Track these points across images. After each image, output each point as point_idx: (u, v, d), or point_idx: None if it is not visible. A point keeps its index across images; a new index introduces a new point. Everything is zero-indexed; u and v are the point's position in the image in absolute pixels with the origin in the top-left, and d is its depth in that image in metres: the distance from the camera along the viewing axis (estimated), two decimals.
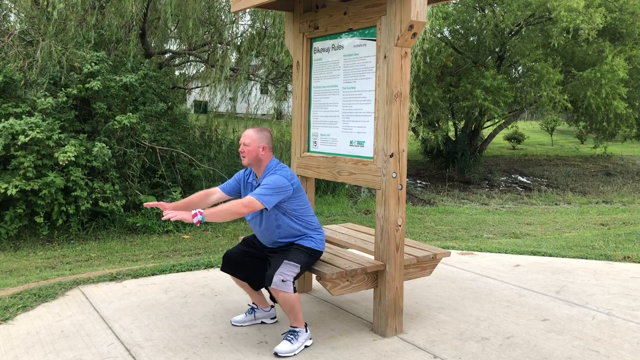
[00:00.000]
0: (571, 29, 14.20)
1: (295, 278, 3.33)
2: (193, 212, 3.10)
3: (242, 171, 3.69)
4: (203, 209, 3.16)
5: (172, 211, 3.10)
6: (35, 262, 7.12)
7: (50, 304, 4.28)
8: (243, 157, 3.47)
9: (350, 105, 3.84)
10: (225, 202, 3.38)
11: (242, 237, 3.86)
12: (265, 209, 3.33)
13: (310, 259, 3.48)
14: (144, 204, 3.42)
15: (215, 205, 3.60)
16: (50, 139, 7.99)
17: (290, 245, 3.51)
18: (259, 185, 3.45)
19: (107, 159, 8.33)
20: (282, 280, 3.26)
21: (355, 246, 4.09)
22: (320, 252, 3.56)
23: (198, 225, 3.19)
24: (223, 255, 3.67)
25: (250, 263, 3.64)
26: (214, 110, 13.86)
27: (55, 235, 8.50)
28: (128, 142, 9.21)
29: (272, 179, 3.34)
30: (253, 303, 3.85)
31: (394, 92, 3.46)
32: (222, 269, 3.68)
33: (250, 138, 3.45)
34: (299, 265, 3.37)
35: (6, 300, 4.30)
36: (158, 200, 9.33)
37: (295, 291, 3.31)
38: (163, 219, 3.08)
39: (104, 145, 8.15)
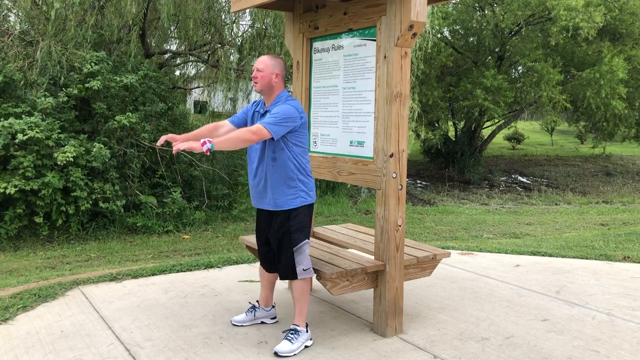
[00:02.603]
0: (571, 28, 14.20)
1: (308, 253, 3.46)
2: (202, 140, 3.05)
3: (250, 104, 3.66)
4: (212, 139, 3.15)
5: (181, 142, 3.09)
6: (35, 262, 7.12)
7: (50, 304, 4.28)
8: (255, 82, 3.43)
9: (350, 106, 3.84)
10: None
11: (255, 237, 3.81)
12: (272, 139, 3.29)
13: (308, 220, 3.48)
14: (158, 142, 3.37)
15: None
16: (49, 138, 7.99)
17: (287, 217, 3.42)
18: (266, 112, 3.42)
19: (106, 160, 8.33)
20: (304, 269, 3.42)
21: (355, 246, 4.09)
22: (313, 204, 3.53)
23: (207, 153, 3.14)
24: (260, 260, 3.75)
25: (269, 251, 3.68)
26: (214, 110, 13.87)
27: (55, 235, 8.50)
28: (128, 142, 9.21)
29: (282, 108, 3.30)
30: (256, 301, 3.85)
31: (394, 92, 3.46)
32: (267, 270, 3.75)
33: (264, 64, 3.41)
34: (306, 241, 3.44)
35: (6, 300, 4.30)
36: (158, 202, 9.32)
37: (312, 272, 3.48)
38: (174, 150, 3.05)
39: (102, 146, 8.15)
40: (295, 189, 3.41)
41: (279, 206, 3.42)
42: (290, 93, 3.58)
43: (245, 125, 3.60)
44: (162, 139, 3.32)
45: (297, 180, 3.41)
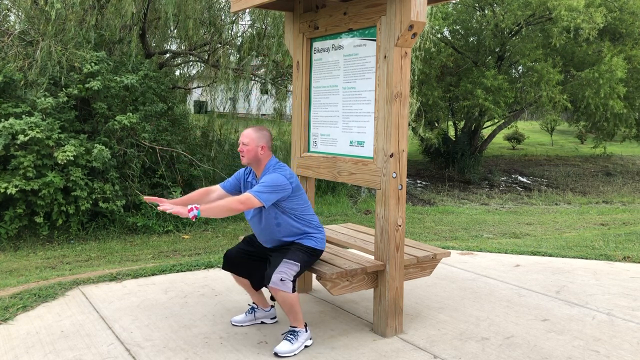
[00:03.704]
0: (571, 28, 14.20)
1: (295, 277, 3.32)
2: (189, 207, 3.09)
3: (242, 170, 3.69)
4: (200, 205, 3.17)
5: (168, 204, 3.11)
6: (35, 262, 7.12)
7: (50, 304, 4.28)
8: (242, 156, 3.47)
9: (350, 105, 3.84)
10: None
11: (243, 237, 3.86)
12: (263, 207, 3.33)
13: (310, 258, 3.47)
14: (144, 197, 3.41)
15: None
16: (50, 138, 7.99)
17: (291, 244, 3.50)
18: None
19: (106, 160, 8.33)
20: (281, 280, 3.25)
21: (355, 246, 4.09)
22: (321, 252, 3.55)
23: (194, 220, 3.16)
24: (224, 253, 3.67)
25: (250, 262, 3.65)
26: (215, 110, 13.86)
27: (55, 235, 8.50)
28: (128, 142, 9.21)
29: (270, 177, 3.34)
30: (253, 303, 3.85)
31: (394, 92, 3.46)
32: (223, 267, 3.69)
33: (249, 137, 3.44)
34: (299, 264, 3.35)
35: (6, 300, 4.30)
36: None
37: (294, 291, 3.31)
38: (159, 209, 3.07)
39: (102, 147, 8.15)
40: (305, 234, 3.52)
41: (286, 243, 3.51)
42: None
43: (237, 189, 3.65)
44: (150, 199, 3.36)
45: (306, 234, 3.52)
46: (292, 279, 3.29)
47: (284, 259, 3.34)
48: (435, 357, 3.33)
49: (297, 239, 3.51)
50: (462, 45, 18.06)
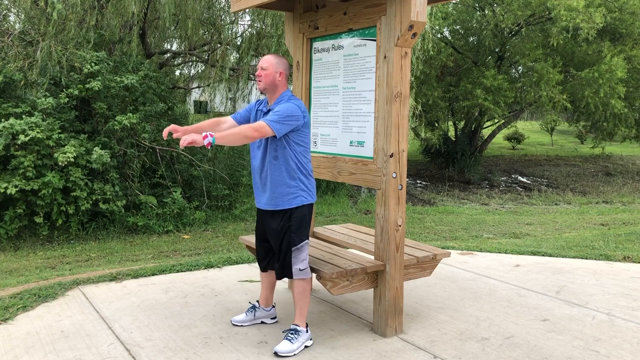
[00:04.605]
0: (571, 28, 14.20)
1: (306, 254, 3.45)
2: (203, 134, 3.04)
3: (253, 102, 3.68)
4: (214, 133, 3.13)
5: (182, 134, 3.09)
6: (35, 262, 7.12)
7: (50, 304, 4.28)
8: (259, 81, 3.45)
9: (350, 106, 3.84)
10: None
11: (254, 236, 3.83)
12: (274, 136, 3.31)
13: (308, 220, 3.48)
14: (164, 132, 3.37)
15: None
16: (50, 138, 7.99)
17: (288, 217, 3.42)
18: (269, 110, 3.43)
19: (106, 162, 8.33)
20: (300, 269, 3.41)
21: (355, 246, 4.09)
22: (312, 203, 3.54)
23: (209, 147, 3.12)
24: (257, 259, 3.76)
25: (267, 249, 3.68)
26: (214, 110, 13.86)
27: (55, 235, 8.50)
28: (128, 142, 9.21)
29: (285, 106, 3.31)
30: (257, 301, 3.85)
31: (394, 92, 3.46)
32: (262, 270, 3.77)
33: (269, 62, 3.43)
34: (305, 241, 3.44)
35: (6, 300, 4.30)
36: (158, 202, 9.32)
37: (310, 273, 3.47)
38: (181, 145, 3.02)
39: (102, 152, 8.13)
40: (296, 187, 3.42)
41: (279, 205, 3.43)
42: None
43: (248, 121, 3.62)
44: (166, 130, 3.34)
45: (297, 180, 3.42)
46: (307, 262, 3.44)
47: (292, 248, 3.41)
48: (435, 357, 3.33)
49: (290, 191, 3.41)
50: (462, 45, 18.06)
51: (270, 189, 3.44)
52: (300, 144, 3.41)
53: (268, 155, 3.42)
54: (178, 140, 10.35)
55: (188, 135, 3.02)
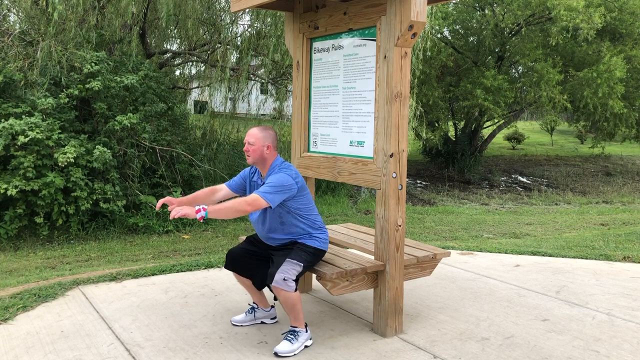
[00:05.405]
0: (571, 28, 14.20)
1: (297, 277, 3.34)
2: (197, 207, 3.08)
3: (247, 169, 3.69)
4: (207, 206, 3.16)
5: (177, 208, 3.11)
6: (35, 262, 7.12)
7: (50, 304, 4.28)
8: (248, 156, 3.47)
9: (350, 105, 3.84)
10: (230, 199, 3.38)
11: (246, 236, 3.85)
12: (270, 207, 3.33)
13: (313, 259, 3.47)
14: (156, 205, 3.41)
15: (220, 202, 3.60)
16: (50, 139, 7.99)
17: (294, 243, 3.50)
18: (263, 184, 3.45)
19: (107, 161, 8.33)
20: (284, 279, 3.25)
21: (355, 246, 4.09)
22: (324, 252, 3.56)
23: (201, 221, 3.15)
24: (227, 252, 3.68)
25: (253, 261, 3.64)
26: (214, 110, 13.86)
27: (55, 235, 8.50)
28: (128, 142, 9.21)
29: (276, 177, 3.34)
30: (254, 302, 3.85)
31: (394, 92, 3.46)
32: (226, 267, 3.69)
33: (255, 137, 3.44)
34: (302, 264, 3.36)
35: (6, 300, 4.30)
36: (158, 199, 9.32)
37: (296, 290, 3.32)
38: (171, 217, 3.07)
39: (104, 149, 8.14)
40: (309, 234, 3.52)
41: (289, 241, 3.52)
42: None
43: (243, 189, 3.65)
44: (160, 202, 3.36)
45: (309, 235, 3.52)
46: (294, 278, 3.30)
47: (287, 259, 3.35)
48: (435, 357, 3.33)
49: (300, 238, 3.51)
50: (462, 45, 18.06)
51: (278, 242, 3.54)
52: (301, 207, 3.47)
53: (274, 222, 3.47)
54: (178, 140, 10.35)
55: (180, 208, 3.05)
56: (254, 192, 3.31)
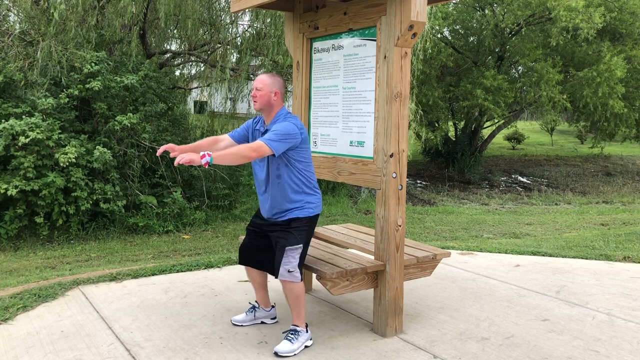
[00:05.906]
0: (570, 28, 14.21)
1: (300, 262, 3.39)
2: (201, 153, 3.04)
3: (250, 120, 3.67)
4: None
5: (181, 154, 3.09)
6: (35, 262, 7.12)
7: (50, 304, 4.28)
8: (255, 101, 3.45)
9: (350, 106, 3.84)
10: None
11: (246, 228, 3.84)
12: (273, 155, 3.30)
13: (309, 229, 3.48)
14: (157, 152, 3.38)
15: None
16: (50, 139, 7.99)
17: (289, 222, 3.45)
18: (267, 131, 3.43)
19: (107, 161, 8.33)
20: (289, 271, 3.34)
21: (355, 246, 4.09)
22: (317, 216, 3.55)
23: (206, 167, 3.12)
24: (238, 249, 3.69)
25: (261, 254, 3.63)
26: (214, 110, 13.86)
27: (55, 235, 8.50)
28: (128, 142, 9.21)
29: (282, 125, 3.31)
30: (255, 301, 3.85)
31: (394, 92, 3.46)
32: (240, 262, 3.71)
33: (263, 83, 3.43)
34: (301, 245, 3.40)
35: (6, 300, 4.30)
36: (158, 202, 9.32)
37: (301, 279, 3.40)
38: (175, 163, 3.02)
39: (104, 150, 8.14)
40: (300, 201, 3.46)
41: (282, 217, 3.48)
42: (290, 108, 3.60)
43: (246, 140, 3.62)
44: (162, 148, 3.34)
45: (303, 194, 3.46)
46: (297, 264, 3.37)
47: (286, 247, 3.36)
48: (435, 357, 3.34)
49: (294, 205, 3.45)
50: (462, 45, 18.06)
51: (274, 204, 3.48)
52: (301, 160, 3.43)
53: (271, 174, 3.44)
54: (178, 141, 10.35)
55: (185, 155, 3.02)
56: (259, 138, 3.28)
